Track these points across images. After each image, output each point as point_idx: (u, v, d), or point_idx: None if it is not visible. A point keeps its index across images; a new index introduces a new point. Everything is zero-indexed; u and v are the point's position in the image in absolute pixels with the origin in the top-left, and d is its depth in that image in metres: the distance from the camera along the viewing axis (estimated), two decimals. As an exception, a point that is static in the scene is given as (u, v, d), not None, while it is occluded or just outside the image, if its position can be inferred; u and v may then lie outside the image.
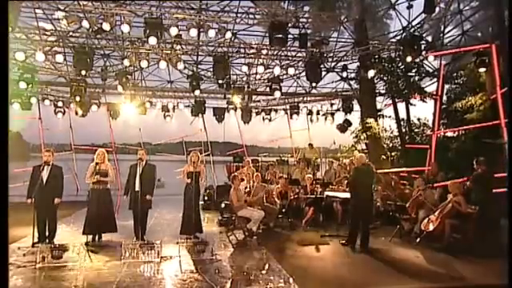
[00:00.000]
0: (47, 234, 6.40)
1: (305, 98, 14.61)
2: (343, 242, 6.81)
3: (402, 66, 11.40)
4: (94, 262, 5.56)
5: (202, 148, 13.89)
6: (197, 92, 11.23)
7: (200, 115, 13.94)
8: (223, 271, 5.27)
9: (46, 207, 6.27)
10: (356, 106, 13.32)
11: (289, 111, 14.62)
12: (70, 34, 9.59)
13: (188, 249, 5.93)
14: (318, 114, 14.54)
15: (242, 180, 8.74)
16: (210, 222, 8.91)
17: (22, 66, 9.82)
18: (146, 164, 6.82)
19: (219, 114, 14.01)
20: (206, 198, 10.80)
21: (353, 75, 12.48)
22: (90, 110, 12.96)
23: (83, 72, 9.00)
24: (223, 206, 8.95)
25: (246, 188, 8.51)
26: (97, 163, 6.66)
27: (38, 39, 9.38)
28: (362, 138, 12.30)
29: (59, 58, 9.68)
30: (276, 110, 14.86)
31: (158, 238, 6.53)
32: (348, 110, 13.29)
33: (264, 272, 5.23)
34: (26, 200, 6.25)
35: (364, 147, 12.62)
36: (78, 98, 10.57)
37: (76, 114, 12.89)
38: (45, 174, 6.33)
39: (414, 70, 11.54)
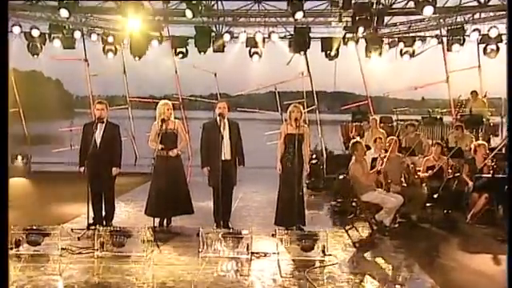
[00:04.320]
0: (103, 213, 7.21)
1: (475, 16, 13.36)
2: None
3: None
4: (163, 253, 6.10)
5: (303, 100, 13.94)
6: (298, 15, 11.11)
7: (302, 51, 13.90)
8: (341, 279, 5.32)
9: (101, 179, 7.02)
10: None
11: (446, 39, 13.68)
12: None
13: (289, 244, 6.07)
14: (499, 40, 13.16)
15: (368, 148, 8.65)
16: (318, 208, 9.09)
17: (63, -13, 10.87)
18: (229, 122, 7.11)
19: (331, 49, 13.76)
20: (310, 172, 10.90)
21: None
22: (148, 47, 13.86)
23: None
24: (338, 185, 8.92)
25: (373, 160, 8.35)
26: (162, 120, 7.08)
27: None
28: None
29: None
30: (423, 39, 14.08)
31: (245, 226, 6.86)
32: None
33: (403, 286, 5.18)
34: (79, 169, 7.06)
35: None
36: (133, 29, 11.32)
37: (131, 52, 13.89)
38: (98, 135, 7.00)
39: None
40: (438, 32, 14.01)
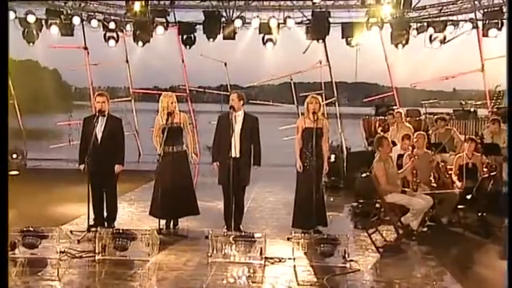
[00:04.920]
0: (105, 214, 7.27)
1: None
2: None
3: None
4: (170, 258, 6.12)
5: (322, 92, 13.91)
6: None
7: (320, 38, 13.85)
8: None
9: (102, 177, 7.08)
10: None
11: (481, 23, 13.48)
12: None
13: (306, 249, 6.07)
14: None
15: (394, 144, 8.64)
16: (338, 210, 9.08)
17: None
18: (245, 115, 7.10)
19: (353, 35, 13.73)
20: (329, 170, 10.92)
21: None
22: (153, 33, 13.89)
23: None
24: (360, 184, 8.89)
25: (398, 158, 8.37)
26: (168, 114, 7.11)
27: None
28: None
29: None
30: (456, 23, 13.86)
31: (258, 229, 6.87)
32: None
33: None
34: (78, 166, 7.14)
35: None
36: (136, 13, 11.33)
37: (134, 39, 13.94)
38: (99, 130, 7.06)
39: None
40: (472, 15, 13.75)
